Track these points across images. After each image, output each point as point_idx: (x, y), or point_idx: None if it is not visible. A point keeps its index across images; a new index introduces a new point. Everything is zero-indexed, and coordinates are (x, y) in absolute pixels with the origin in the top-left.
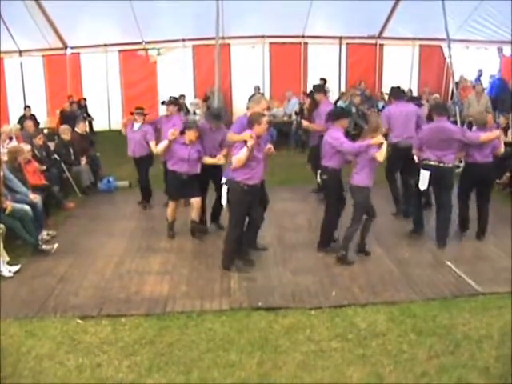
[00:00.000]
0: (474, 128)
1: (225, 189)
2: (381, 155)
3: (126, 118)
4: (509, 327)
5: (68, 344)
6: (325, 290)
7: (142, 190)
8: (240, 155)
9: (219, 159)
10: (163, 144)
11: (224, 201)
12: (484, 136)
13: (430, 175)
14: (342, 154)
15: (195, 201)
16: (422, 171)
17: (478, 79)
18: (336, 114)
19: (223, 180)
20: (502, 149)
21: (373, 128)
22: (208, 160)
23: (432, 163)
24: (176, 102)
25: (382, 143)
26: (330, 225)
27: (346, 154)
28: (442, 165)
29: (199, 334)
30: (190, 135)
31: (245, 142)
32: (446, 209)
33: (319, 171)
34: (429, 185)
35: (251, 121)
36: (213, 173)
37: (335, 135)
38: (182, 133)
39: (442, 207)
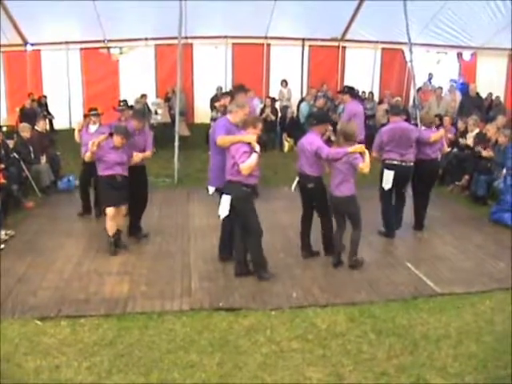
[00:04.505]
0: (422, 128)
1: (226, 199)
2: (366, 166)
3: (79, 125)
4: (466, 327)
5: (26, 346)
6: (285, 291)
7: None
8: (250, 162)
9: (137, 155)
10: (87, 154)
11: (225, 212)
12: (433, 137)
13: (394, 174)
14: (321, 161)
15: (124, 208)
16: (385, 171)
17: (429, 82)
18: (316, 119)
19: (211, 190)
20: (446, 147)
21: (347, 136)
22: (136, 157)
23: (395, 163)
24: (130, 107)
25: (363, 152)
26: (331, 230)
27: (324, 161)
28: (404, 164)
29: (159, 334)
30: (117, 140)
31: (249, 144)
32: (403, 202)
33: (297, 179)
34: (393, 184)
35: (247, 123)
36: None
37: (312, 140)
38: (111, 135)
39: (401, 201)
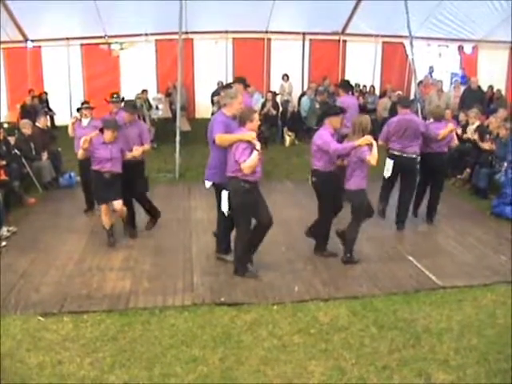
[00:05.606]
0: (430, 120)
1: (225, 194)
2: (373, 158)
3: (74, 118)
4: (468, 320)
5: (29, 342)
6: (287, 286)
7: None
8: (250, 162)
9: (137, 150)
10: (79, 152)
11: (225, 208)
12: (442, 134)
13: (394, 164)
14: (330, 155)
15: (117, 203)
16: (386, 159)
17: (430, 75)
18: (326, 114)
19: (208, 184)
20: (456, 142)
21: (357, 129)
22: (129, 155)
23: (396, 153)
24: (122, 99)
25: (371, 144)
26: (324, 227)
27: (334, 156)
28: (405, 155)
29: (162, 329)
30: (108, 135)
31: (249, 142)
32: (407, 194)
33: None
34: (392, 172)
35: (243, 118)
36: (136, 171)
37: (321, 135)
38: (102, 131)
39: (404, 193)
